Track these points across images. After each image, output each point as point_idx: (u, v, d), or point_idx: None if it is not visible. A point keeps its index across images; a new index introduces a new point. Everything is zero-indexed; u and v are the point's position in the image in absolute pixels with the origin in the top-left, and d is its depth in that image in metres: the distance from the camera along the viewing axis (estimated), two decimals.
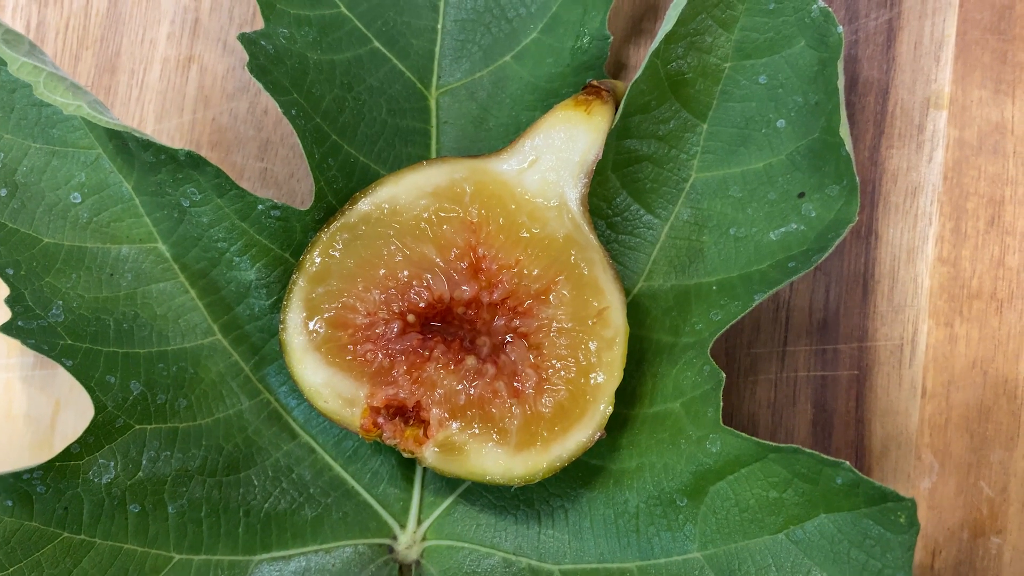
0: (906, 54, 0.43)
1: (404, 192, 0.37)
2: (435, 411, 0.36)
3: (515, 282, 0.37)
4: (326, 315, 0.36)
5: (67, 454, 0.37)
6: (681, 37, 0.38)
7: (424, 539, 0.39)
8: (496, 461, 0.36)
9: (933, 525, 0.40)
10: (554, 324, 0.36)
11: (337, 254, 0.36)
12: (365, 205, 0.37)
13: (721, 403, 0.36)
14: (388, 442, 0.36)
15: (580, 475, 0.38)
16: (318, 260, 0.36)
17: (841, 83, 0.36)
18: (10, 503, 0.36)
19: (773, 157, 0.37)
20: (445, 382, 0.36)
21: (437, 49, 0.40)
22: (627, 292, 0.38)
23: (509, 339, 0.37)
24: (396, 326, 0.36)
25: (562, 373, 0.36)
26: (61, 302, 0.37)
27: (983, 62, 0.42)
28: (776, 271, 0.37)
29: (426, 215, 0.37)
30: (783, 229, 0.37)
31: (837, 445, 0.41)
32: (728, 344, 0.42)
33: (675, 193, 0.38)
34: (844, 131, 0.36)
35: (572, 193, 0.37)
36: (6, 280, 0.36)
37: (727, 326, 0.36)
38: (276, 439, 0.39)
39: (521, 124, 0.40)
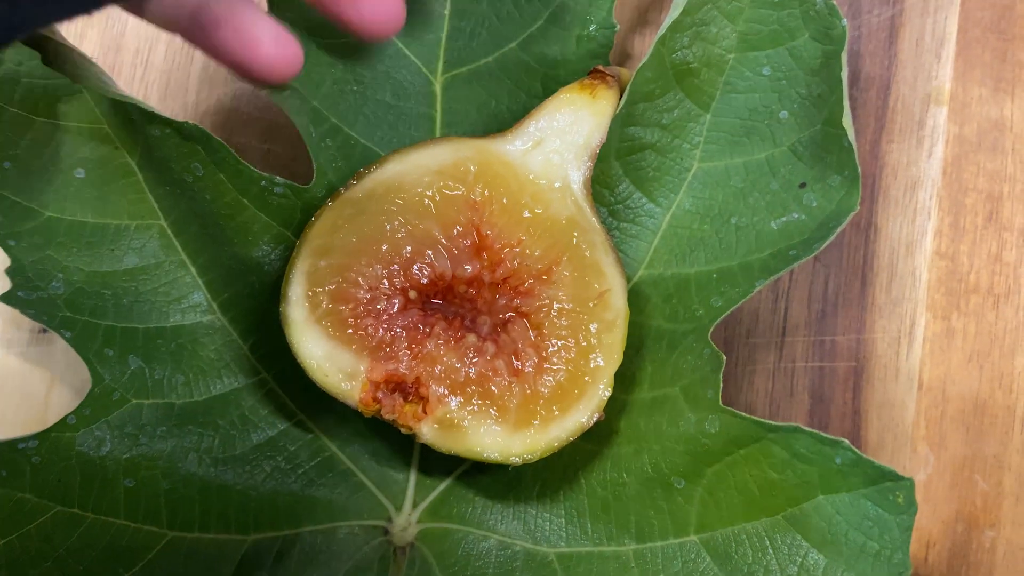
0: (908, 50, 0.43)
1: (409, 169, 0.37)
2: (434, 387, 0.36)
3: (517, 262, 0.37)
4: (328, 288, 0.36)
5: (63, 425, 0.37)
6: (687, 27, 0.38)
7: (419, 521, 0.38)
8: (494, 439, 0.35)
9: (928, 518, 0.40)
10: (555, 305, 0.36)
11: (340, 229, 0.36)
12: (370, 181, 0.37)
13: (721, 384, 0.36)
14: (386, 417, 0.35)
15: (577, 459, 0.38)
16: (321, 234, 0.36)
17: (844, 75, 0.36)
18: (4, 473, 0.36)
19: (775, 148, 0.38)
20: (445, 359, 0.36)
21: (444, 35, 0.40)
22: (628, 279, 0.38)
23: (510, 317, 0.37)
24: (398, 302, 0.36)
25: (562, 354, 0.36)
26: (62, 275, 0.37)
27: (983, 60, 0.43)
28: (776, 259, 0.37)
29: (430, 192, 0.37)
30: (784, 218, 0.37)
31: (834, 435, 0.41)
32: (726, 334, 0.42)
33: (677, 182, 0.39)
34: (847, 122, 0.36)
35: (576, 175, 0.37)
36: (8, 251, 0.36)
37: (727, 312, 0.36)
38: (272, 418, 0.39)
39: (526, 112, 0.40)
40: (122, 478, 0.38)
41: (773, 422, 0.35)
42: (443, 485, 0.39)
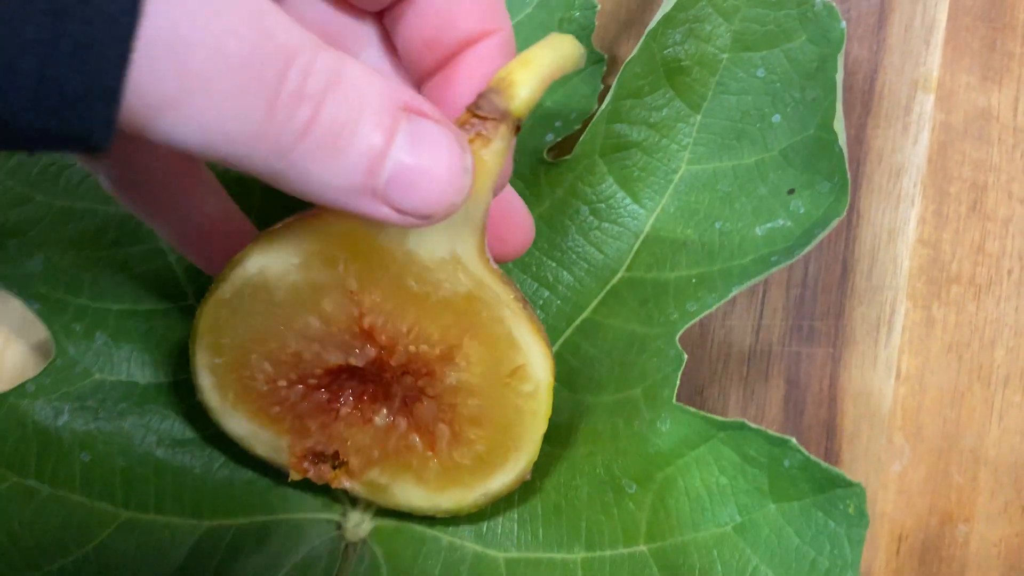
0: (896, 36, 0.43)
1: (272, 263, 0.32)
2: (352, 459, 0.35)
3: (412, 347, 0.33)
4: (232, 382, 0.34)
5: (21, 391, 0.37)
6: (680, 23, 0.37)
7: (373, 518, 0.38)
8: (421, 498, 0.35)
9: (901, 510, 0.40)
10: (464, 384, 0.33)
11: (222, 329, 0.33)
12: (237, 279, 0.32)
13: (677, 383, 0.35)
14: (318, 482, 0.35)
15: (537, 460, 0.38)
16: (208, 332, 0.34)
17: (840, 78, 0.35)
18: None
19: (766, 153, 0.37)
20: (358, 437, 0.35)
21: None
22: (606, 282, 0.37)
23: (419, 396, 0.34)
24: (299, 389, 0.34)
25: (478, 430, 0.34)
26: (43, 255, 0.37)
27: (972, 48, 0.43)
28: (757, 265, 0.36)
29: (299, 288, 0.32)
30: (769, 225, 0.36)
31: (809, 423, 0.41)
32: (703, 316, 0.42)
33: (664, 184, 0.38)
34: (839, 126, 0.35)
35: (465, 247, 0.31)
36: None
37: (700, 316, 0.36)
38: None
39: None
40: (78, 451, 0.37)
41: (720, 418, 0.34)
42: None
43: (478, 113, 0.28)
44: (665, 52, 0.37)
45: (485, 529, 0.37)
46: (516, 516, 0.37)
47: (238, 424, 0.35)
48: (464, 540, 0.37)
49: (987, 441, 0.40)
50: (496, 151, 0.28)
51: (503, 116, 0.28)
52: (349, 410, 0.34)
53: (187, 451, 0.38)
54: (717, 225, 0.37)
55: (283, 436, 0.35)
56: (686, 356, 0.35)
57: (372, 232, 0.31)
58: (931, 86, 0.42)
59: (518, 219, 0.33)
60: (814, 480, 0.33)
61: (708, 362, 0.42)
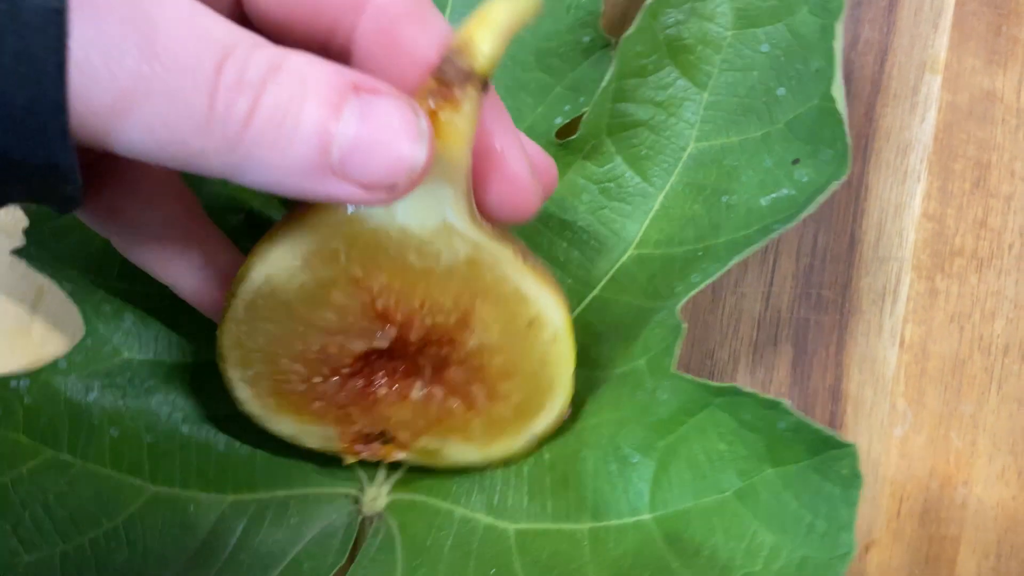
0: (906, 19, 0.44)
1: (276, 270, 0.32)
2: (400, 433, 0.36)
3: (428, 320, 0.33)
4: (268, 389, 0.35)
5: (53, 368, 0.37)
6: (681, 1, 0.37)
7: (390, 493, 0.38)
8: (472, 454, 0.36)
9: (903, 473, 0.41)
10: (486, 346, 0.34)
11: (245, 344, 0.34)
12: (247, 294, 0.32)
13: (677, 352, 0.35)
14: (372, 460, 0.36)
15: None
16: (233, 347, 0.34)
17: (840, 46, 0.35)
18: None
19: (772, 126, 0.37)
20: (399, 415, 0.36)
21: (447, 13, 0.40)
22: (616, 260, 0.37)
23: (446, 364, 0.35)
24: (334, 381, 0.35)
25: (510, 382, 0.35)
26: (76, 239, 0.37)
27: (978, 32, 0.44)
28: (760, 233, 0.36)
29: (309, 288, 0.32)
30: (774, 195, 0.36)
31: (815, 387, 0.42)
32: (715, 282, 0.43)
33: (672, 162, 0.38)
34: (838, 92, 0.35)
35: (455, 212, 0.31)
36: (28, 214, 0.37)
37: (702, 286, 0.36)
38: None
39: (522, 83, 0.39)
40: (108, 427, 0.38)
41: (715, 384, 0.34)
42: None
43: (443, 79, 0.28)
44: (667, 31, 0.37)
45: (496, 501, 0.37)
46: (526, 489, 0.37)
47: (285, 426, 0.36)
48: (476, 512, 0.37)
49: (986, 408, 0.41)
50: (467, 114, 0.28)
51: (468, 77, 0.28)
52: (386, 391, 0.35)
53: (212, 427, 0.38)
54: (724, 199, 0.37)
55: (330, 427, 0.36)
56: (686, 326, 0.35)
57: (362, 218, 0.30)
58: (938, 68, 0.44)
59: (520, 182, 0.32)
60: (808, 442, 0.32)
61: (719, 327, 0.42)
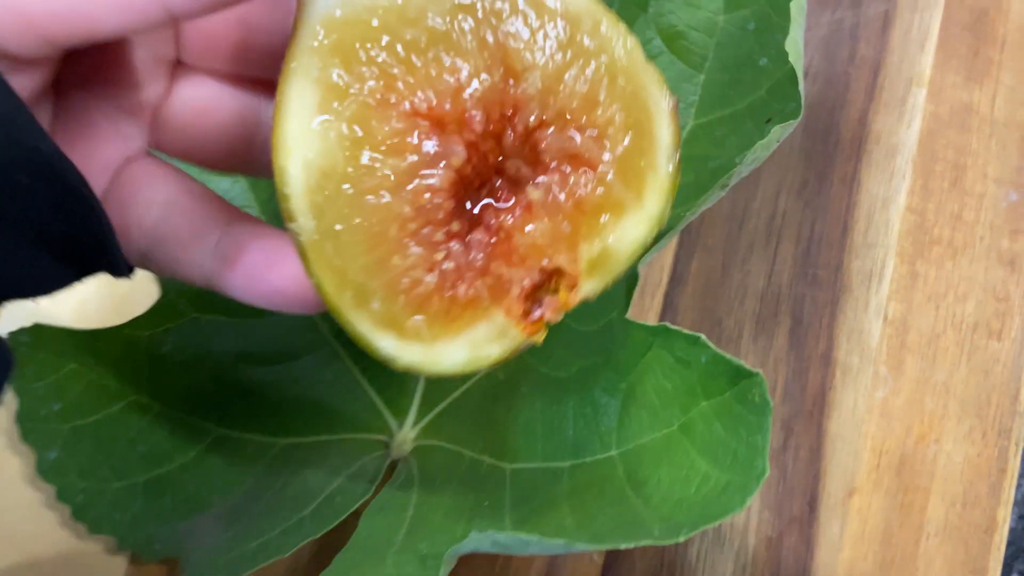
0: (897, 39, 0.47)
1: (312, 153, 0.26)
2: (559, 259, 0.29)
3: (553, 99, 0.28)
4: (398, 311, 0.28)
5: (134, 323, 0.39)
6: None
7: (416, 439, 0.40)
8: (637, 221, 0.29)
9: (883, 430, 0.42)
10: (583, 97, 0.28)
11: (336, 262, 0.27)
12: (300, 204, 0.26)
13: (629, 299, 0.34)
14: (558, 316, 0.29)
15: (536, 384, 0.38)
16: (343, 292, 0.27)
17: (799, 4, 0.33)
18: (91, 360, 0.39)
19: (755, 94, 0.37)
20: (540, 235, 0.28)
21: None
22: None
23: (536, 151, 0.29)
24: (458, 249, 0.28)
25: (607, 113, 0.28)
26: None
27: (959, 53, 0.47)
28: (721, 187, 0.34)
29: (351, 141, 0.26)
30: (749, 152, 0.34)
31: (809, 354, 0.44)
32: (725, 260, 0.45)
33: None
34: (793, 47, 0.32)
35: None
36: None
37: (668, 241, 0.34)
38: (309, 344, 0.41)
39: None
40: (180, 376, 0.39)
41: (652, 325, 0.33)
42: (440, 408, 0.40)
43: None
44: (660, 20, 0.37)
45: (499, 445, 0.38)
46: (522, 432, 0.38)
47: (455, 349, 0.28)
48: (482, 456, 0.38)
49: (956, 377, 0.43)
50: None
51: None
52: (508, 216, 0.28)
53: (269, 379, 0.40)
54: (710, 164, 0.37)
55: (494, 312, 0.28)
56: (638, 275, 0.34)
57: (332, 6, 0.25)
58: (924, 82, 0.46)
59: None
60: (727, 374, 0.31)
61: (726, 299, 0.45)
